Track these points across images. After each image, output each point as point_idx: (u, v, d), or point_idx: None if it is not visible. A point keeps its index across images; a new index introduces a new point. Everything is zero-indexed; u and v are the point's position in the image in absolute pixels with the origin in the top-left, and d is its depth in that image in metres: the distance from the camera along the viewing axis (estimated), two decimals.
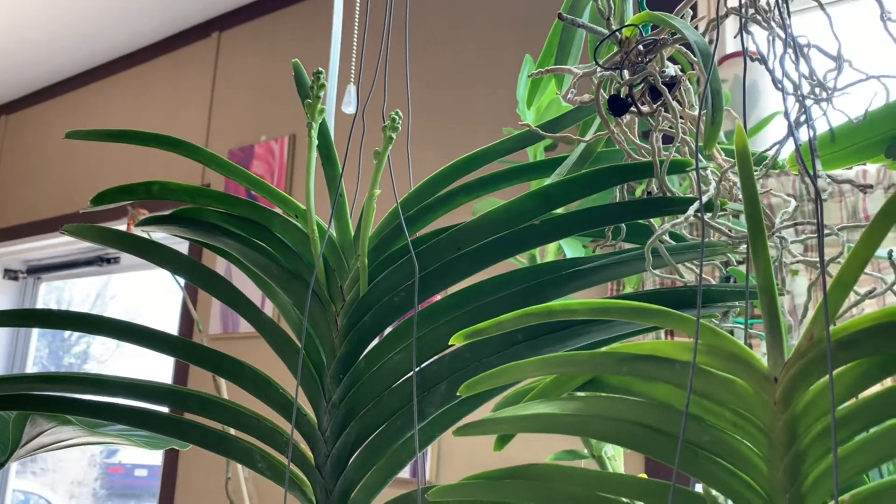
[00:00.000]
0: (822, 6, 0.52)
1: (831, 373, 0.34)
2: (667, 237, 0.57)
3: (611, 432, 0.40)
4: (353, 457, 0.57)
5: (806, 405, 0.36)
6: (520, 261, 0.98)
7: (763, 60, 0.45)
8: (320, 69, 0.62)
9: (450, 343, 0.46)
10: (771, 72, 0.45)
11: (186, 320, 2.69)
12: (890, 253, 0.51)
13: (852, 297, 0.50)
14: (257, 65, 2.81)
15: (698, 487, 0.44)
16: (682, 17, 0.54)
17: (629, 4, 0.57)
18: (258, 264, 0.63)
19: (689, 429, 0.38)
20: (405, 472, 1.85)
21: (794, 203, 0.54)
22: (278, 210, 0.63)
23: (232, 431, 0.61)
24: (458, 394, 0.45)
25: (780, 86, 0.43)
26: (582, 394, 0.42)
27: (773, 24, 0.47)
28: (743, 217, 0.51)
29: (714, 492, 0.40)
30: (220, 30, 2.95)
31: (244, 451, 0.59)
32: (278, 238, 0.62)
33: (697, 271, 0.56)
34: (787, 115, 0.45)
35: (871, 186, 0.47)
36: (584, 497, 0.39)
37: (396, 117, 0.61)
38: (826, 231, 0.49)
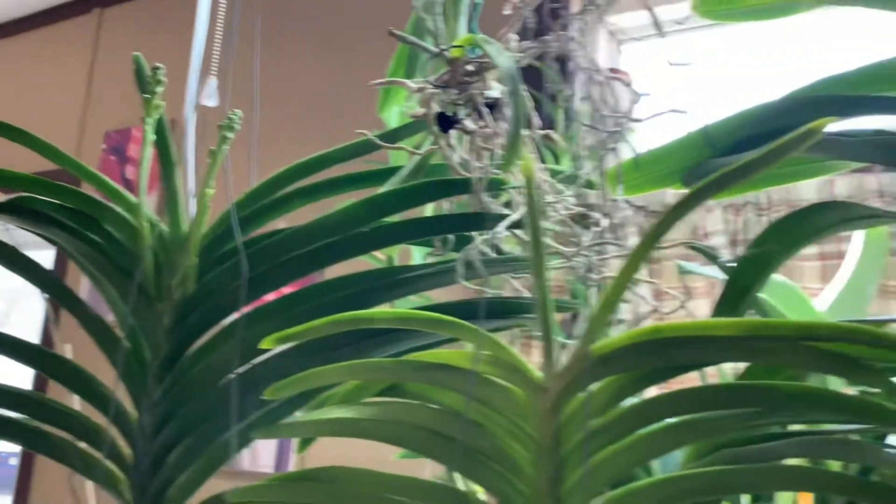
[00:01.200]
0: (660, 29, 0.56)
1: (589, 389, 0.37)
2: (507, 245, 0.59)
3: (401, 437, 0.42)
4: (172, 455, 0.57)
5: (570, 415, 0.39)
6: (379, 259, 0.99)
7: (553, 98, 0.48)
8: (159, 65, 0.61)
9: (259, 346, 0.47)
10: (568, 101, 0.48)
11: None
12: (679, 267, 0.56)
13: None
14: (140, 45, 2.71)
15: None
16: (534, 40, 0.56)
17: (462, 24, 0.59)
18: (89, 258, 0.62)
19: (470, 435, 0.40)
20: (253, 466, 1.84)
21: (605, 222, 0.57)
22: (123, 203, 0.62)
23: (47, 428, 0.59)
24: (263, 397, 0.46)
25: (574, 116, 0.46)
26: (379, 399, 0.44)
27: (579, 59, 0.50)
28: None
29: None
30: (101, 6, 2.83)
31: (59, 448, 0.58)
32: (108, 232, 0.61)
33: (516, 284, 0.59)
34: (576, 141, 0.48)
35: (643, 207, 0.51)
36: (370, 497, 0.41)
37: (234, 117, 0.61)
38: (623, 250, 0.53)
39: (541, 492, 0.39)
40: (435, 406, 0.42)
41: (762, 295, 0.73)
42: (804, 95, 0.46)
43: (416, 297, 0.71)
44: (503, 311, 0.50)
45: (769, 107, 0.47)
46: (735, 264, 0.47)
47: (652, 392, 0.39)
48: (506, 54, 0.49)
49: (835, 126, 0.47)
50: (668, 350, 0.37)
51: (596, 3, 0.48)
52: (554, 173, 0.61)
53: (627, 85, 0.51)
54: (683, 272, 0.54)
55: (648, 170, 0.53)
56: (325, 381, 0.46)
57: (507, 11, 0.51)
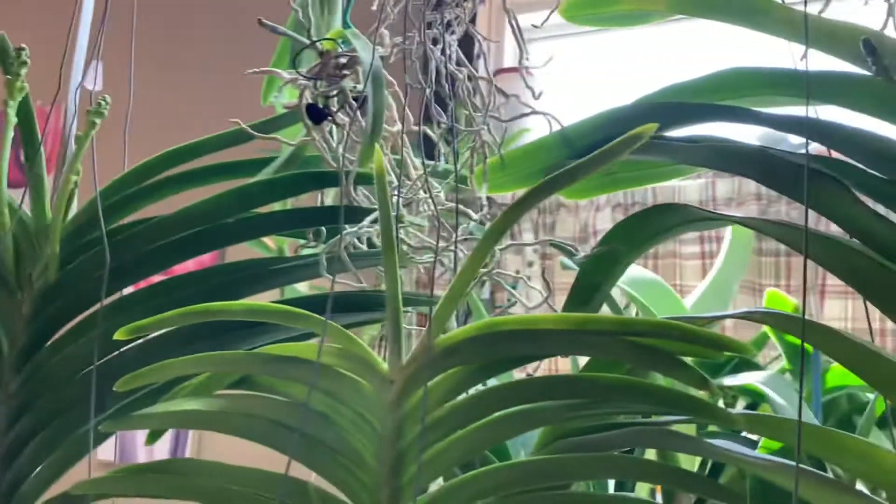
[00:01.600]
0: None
1: (426, 382, 0.38)
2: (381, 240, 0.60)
3: (248, 428, 0.42)
4: (27, 449, 0.55)
5: (413, 407, 0.40)
6: (269, 248, 0.98)
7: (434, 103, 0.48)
8: (24, 46, 0.59)
9: (114, 338, 0.46)
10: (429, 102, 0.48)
11: None
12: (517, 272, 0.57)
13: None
14: (28, 27, 2.60)
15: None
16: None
17: (338, 18, 0.59)
18: None
19: (315, 426, 0.41)
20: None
21: (475, 216, 0.59)
22: None
23: None
24: (115, 388, 0.45)
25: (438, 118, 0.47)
26: (228, 392, 0.44)
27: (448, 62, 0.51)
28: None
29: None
30: None
31: None
32: None
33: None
34: (454, 143, 0.49)
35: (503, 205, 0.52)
36: (215, 489, 0.41)
37: (103, 102, 0.59)
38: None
39: (381, 481, 0.39)
40: (282, 398, 0.42)
41: (634, 292, 0.76)
42: (652, 101, 0.48)
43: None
44: (364, 304, 0.50)
45: (622, 111, 0.49)
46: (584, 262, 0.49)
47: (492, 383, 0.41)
48: (370, 50, 0.49)
49: (682, 132, 0.49)
50: (505, 343, 0.38)
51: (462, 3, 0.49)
52: (434, 170, 0.61)
53: (490, 83, 0.53)
54: (565, 268, 0.56)
55: (513, 169, 0.54)
56: (178, 373, 0.46)
57: (373, 8, 0.51)
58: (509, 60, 1.59)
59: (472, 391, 0.39)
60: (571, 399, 0.38)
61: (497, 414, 0.38)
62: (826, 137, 0.39)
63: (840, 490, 0.34)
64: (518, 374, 0.46)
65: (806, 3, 0.39)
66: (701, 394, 0.40)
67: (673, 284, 1.13)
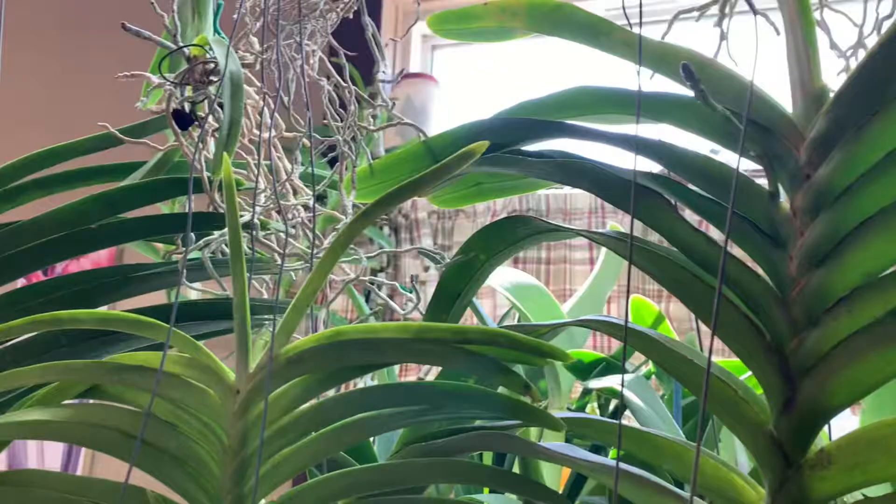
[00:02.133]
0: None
1: (267, 391, 0.38)
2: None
3: (93, 438, 0.42)
4: None
5: (257, 416, 0.40)
6: (156, 250, 0.96)
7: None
8: None
9: None
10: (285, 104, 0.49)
11: None
12: (412, 277, 0.58)
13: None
14: None
15: None
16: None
17: (209, 23, 0.59)
18: None
19: (159, 434, 0.41)
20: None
21: (345, 220, 0.59)
22: None
23: None
24: None
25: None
26: (75, 402, 0.44)
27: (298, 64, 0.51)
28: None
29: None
30: None
31: None
32: None
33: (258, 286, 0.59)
34: (311, 146, 0.50)
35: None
36: (55, 499, 0.40)
37: None
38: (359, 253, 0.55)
39: (224, 490, 0.39)
40: (129, 407, 0.42)
41: (515, 297, 0.78)
42: (508, 117, 0.50)
43: None
44: (216, 313, 0.50)
45: (481, 124, 0.50)
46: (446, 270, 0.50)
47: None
48: (231, 57, 0.49)
49: (541, 146, 0.51)
50: (349, 351, 0.39)
51: (316, 14, 0.49)
52: (305, 177, 0.62)
53: (352, 93, 0.53)
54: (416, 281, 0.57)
55: (381, 177, 0.55)
56: (24, 382, 0.45)
57: (234, 16, 0.51)
58: (416, 65, 1.61)
59: (315, 400, 0.40)
60: (411, 406, 0.39)
61: (339, 423, 0.39)
62: (655, 155, 0.41)
63: (657, 491, 0.36)
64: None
65: (641, 25, 0.41)
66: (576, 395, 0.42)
67: (563, 289, 1.16)
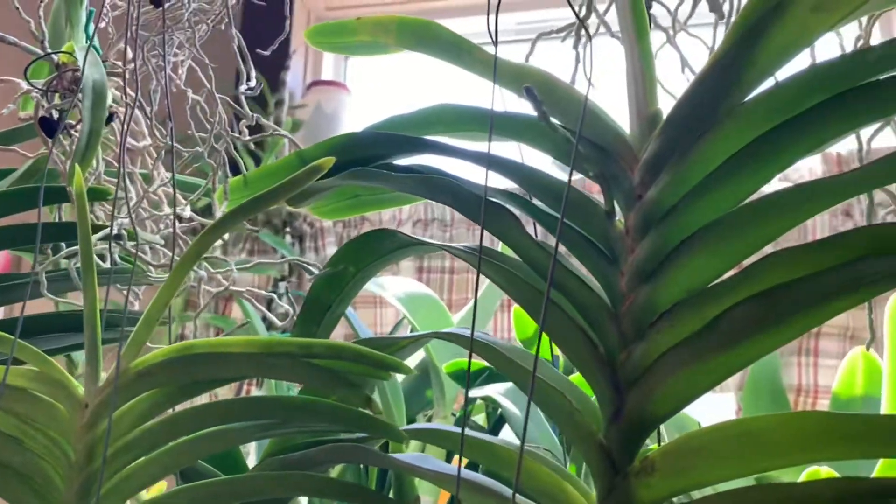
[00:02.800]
0: None
1: (113, 405, 0.38)
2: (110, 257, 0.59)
3: None
4: None
5: (105, 431, 0.40)
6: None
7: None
8: None
9: None
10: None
11: None
12: (286, 287, 0.59)
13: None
14: None
15: None
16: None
17: (80, 30, 0.58)
18: None
19: (3, 450, 0.40)
20: None
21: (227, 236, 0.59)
22: None
23: None
24: None
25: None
26: None
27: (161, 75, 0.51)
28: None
29: None
30: None
31: None
32: None
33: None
34: (173, 162, 0.50)
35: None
36: None
37: None
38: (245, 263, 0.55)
39: None
40: None
41: (406, 307, 0.79)
42: (377, 131, 0.50)
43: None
44: (67, 326, 0.49)
45: (352, 138, 0.51)
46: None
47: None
48: (95, 66, 0.49)
49: (405, 161, 0.52)
50: (199, 365, 0.39)
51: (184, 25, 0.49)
52: (184, 185, 0.61)
53: (218, 104, 0.53)
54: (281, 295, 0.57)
55: (255, 188, 0.55)
56: None
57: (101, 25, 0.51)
58: (329, 72, 1.60)
59: (164, 414, 0.40)
60: (261, 419, 0.39)
61: (188, 437, 0.39)
62: (507, 172, 0.43)
63: (499, 500, 0.37)
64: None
65: (496, 45, 0.43)
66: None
67: (465, 298, 1.18)
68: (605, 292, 0.39)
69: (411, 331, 0.82)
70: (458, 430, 0.40)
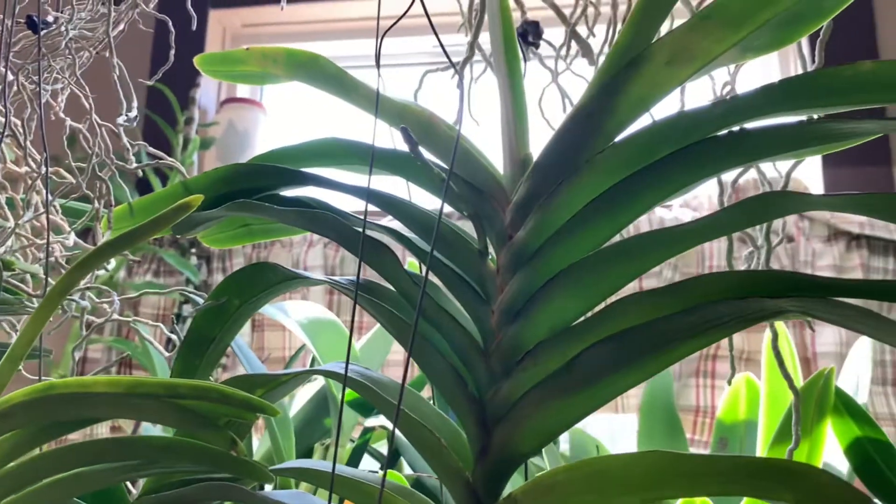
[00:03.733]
0: None
1: None
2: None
3: None
4: None
5: None
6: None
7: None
8: None
9: None
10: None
11: None
12: (173, 318, 0.58)
13: None
14: None
15: None
16: None
17: None
18: None
19: None
20: None
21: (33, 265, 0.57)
22: None
23: None
24: None
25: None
26: None
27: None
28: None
29: None
30: None
31: None
32: None
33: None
34: (47, 190, 0.48)
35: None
36: None
37: None
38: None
39: None
40: None
41: (310, 333, 0.78)
42: (263, 163, 0.50)
43: None
44: None
45: (238, 169, 0.50)
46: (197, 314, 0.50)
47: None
48: None
49: (294, 192, 0.52)
50: (61, 406, 0.38)
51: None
52: (71, 212, 0.59)
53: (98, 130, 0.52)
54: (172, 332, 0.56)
55: (140, 217, 0.54)
56: None
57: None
58: (246, 90, 1.59)
59: (25, 457, 0.38)
60: (125, 461, 0.38)
61: (49, 479, 0.38)
62: (386, 206, 0.43)
63: None
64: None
65: (379, 82, 0.43)
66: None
67: (360, 320, 1.18)
68: (477, 330, 0.39)
69: (312, 358, 0.82)
70: (327, 466, 0.40)
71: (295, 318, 0.80)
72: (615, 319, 0.34)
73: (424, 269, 0.36)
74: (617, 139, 0.37)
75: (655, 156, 0.35)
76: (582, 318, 0.37)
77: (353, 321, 0.37)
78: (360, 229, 0.42)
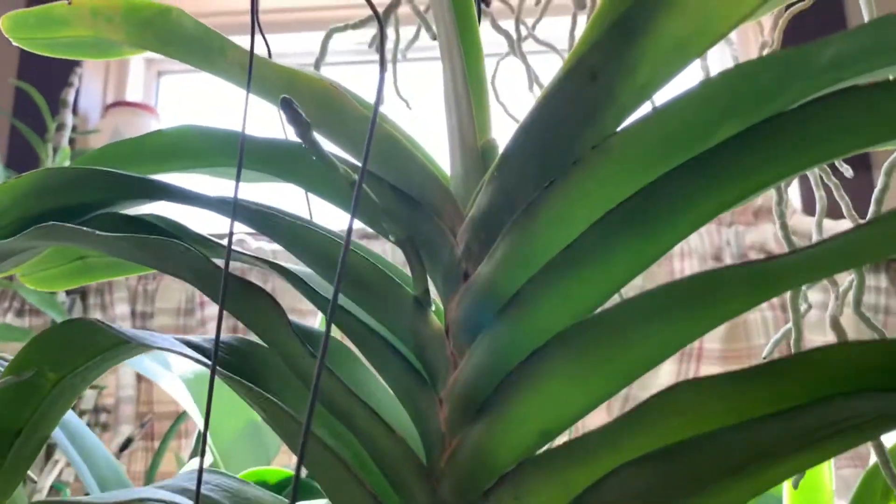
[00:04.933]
0: None
1: None
2: None
3: None
4: None
5: None
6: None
7: None
8: None
9: None
10: None
11: None
12: None
13: None
14: None
15: None
16: None
17: None
18: None
19: None
20: None
21: None
22: None
23: None
24: None
25: None
26: None
27: None
28: None
29: None
30: None
31: None
32: None
33: None
34: None
35: None
36: None
37: None
38: None
39: None
40: None
41: (191, 393, 0.62)
42: (89, 168, 0.34)
43: None
44: None
45: (52, 177, 0.34)
46: None
47: None
48: None
49: (135, 209, 0.36)
50: None
51: None
52: None
53: None
54: None
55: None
56: None
57: None
58: (137, 93, 1.39)
59: None
60: None
61: None
62: (268, 227, 0.27)
63: None
64: None
65: (252, 45, 0.28)
66: None
67: None
68: (416, 433, 0.24)
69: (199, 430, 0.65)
70: None
71: (179, 371, 0.63)
72: (661, 423, 0.19)
73: (325, 326, 0.20)
74: (638, 114, 0.23)
75: (710, 138, 0.21)
76: (602, 423, 0.22)
77: (209, 406, 0.22)
78: (225, 263, 0.26)
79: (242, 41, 0.30)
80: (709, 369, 0.83)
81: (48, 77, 1.16)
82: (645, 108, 0.23)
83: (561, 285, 0.22)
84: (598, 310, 0.22)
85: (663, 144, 0.21)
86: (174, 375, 0.61)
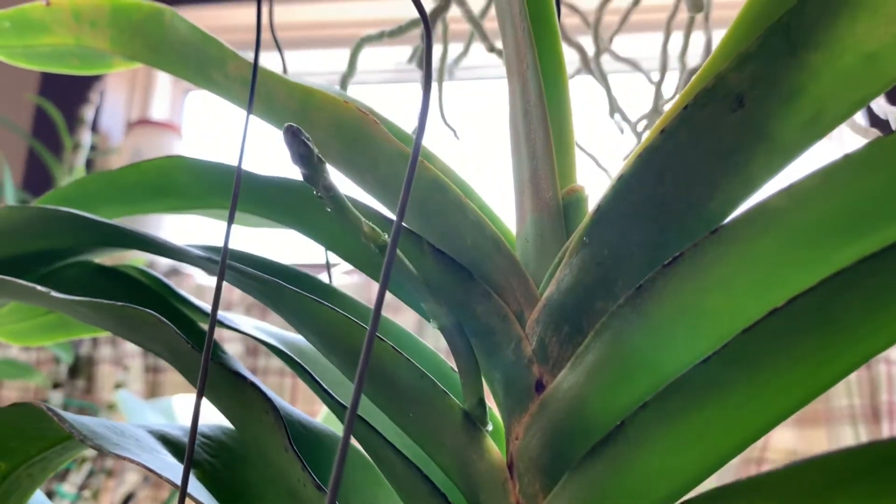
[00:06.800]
0: None
1: None
2: None
3: None
4: None
5: None
6: None
7: None
8: None
9: None
10: None
11: None
12: None
13: None
14: None
15: None
16: None
17: None
18: None
19: None
20: None
21: None
22: None
23: None
24: None
25: None
26: None
27: None
28: None
29: None
30: None
31: None
32: None
33: None
34: None
35: None
36: None
37: None
38: None
39: None
40: None
41: None
42: (55, 210, 0.27)
43: None
44: None
45: (7, 220, 0.27)
46: None
47: None
48: None
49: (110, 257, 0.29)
50: None
51: None
52: None
53: None
54: None
55: None
56: None
57: None
58: (163, 111, 1.34)
59: None
60: None
61: None
62: (268, 294, 0.20)
63: None
64: None
65: (257, 53, 0.21)
66: None
67: (310, 410, 0.94)
68: None
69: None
70: None
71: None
72: None
73: (339, 452, 0.13)
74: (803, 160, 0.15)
75: None
76: None
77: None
78: (206, 346, 0.19)
79: (263, 59, 0.23)
80: (782, 434, 0.75)
81: (71, 92, 1.12)
82: (813, 152, 0.16)
83: (692, 419, 0.14)
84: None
85: (855, 212, 0.14)
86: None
